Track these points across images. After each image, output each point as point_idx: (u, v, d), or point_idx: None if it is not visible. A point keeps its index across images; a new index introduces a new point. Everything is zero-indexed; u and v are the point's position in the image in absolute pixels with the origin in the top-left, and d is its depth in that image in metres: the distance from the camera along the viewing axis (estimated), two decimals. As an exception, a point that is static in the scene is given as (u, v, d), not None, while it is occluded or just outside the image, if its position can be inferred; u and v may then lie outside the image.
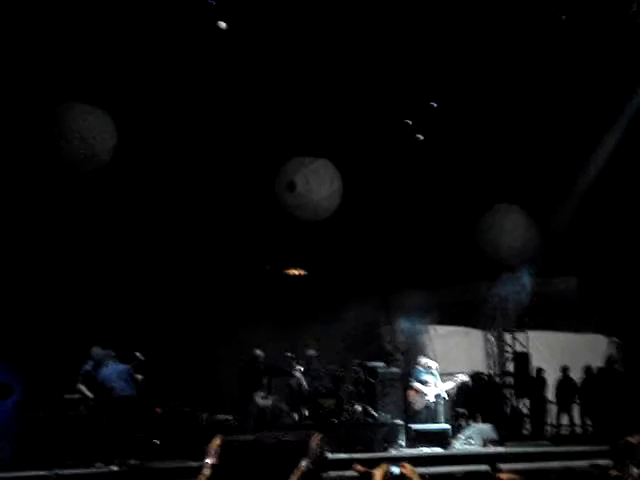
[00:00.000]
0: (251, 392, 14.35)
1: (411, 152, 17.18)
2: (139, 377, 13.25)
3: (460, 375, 16.36)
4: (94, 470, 12.09)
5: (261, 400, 14.32)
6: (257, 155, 16.45)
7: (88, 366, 13.34)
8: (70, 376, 13.31)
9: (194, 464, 12.35)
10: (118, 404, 12.75)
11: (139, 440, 13.10)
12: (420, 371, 15.85)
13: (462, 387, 17.45)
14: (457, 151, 17.00)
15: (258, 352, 14.73)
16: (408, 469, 5.19)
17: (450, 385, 15.88)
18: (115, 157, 14.87)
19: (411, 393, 15.65)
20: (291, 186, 16.41)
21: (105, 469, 12.13)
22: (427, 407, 15.48)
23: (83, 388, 13.24)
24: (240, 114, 15.77)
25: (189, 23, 14.29)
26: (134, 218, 16.08)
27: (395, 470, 5.36)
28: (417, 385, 15.59)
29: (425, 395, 15.50)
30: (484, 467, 8.82)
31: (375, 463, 5.48)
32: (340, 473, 10.28)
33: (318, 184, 16.48)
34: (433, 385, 15.57)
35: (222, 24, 14.32)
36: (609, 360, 17.81)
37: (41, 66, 13.94)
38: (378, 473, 5.25)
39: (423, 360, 16.14)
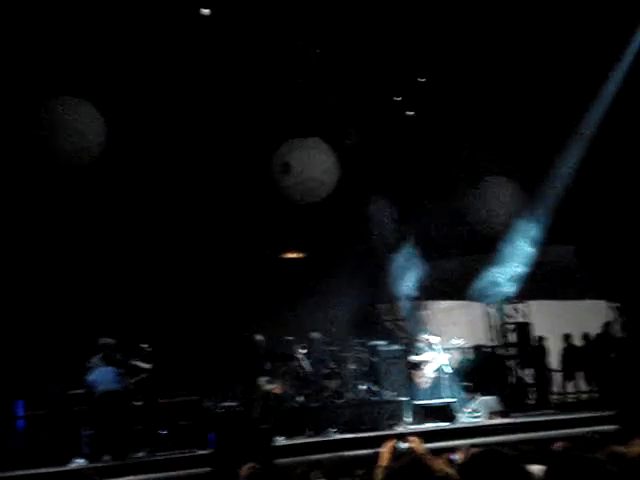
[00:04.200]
0: (254, 378, 14.33)
1: (401, 127, 17.17)
2: (147, 366, 13.23)
3: (454, 340, 16.37)
4: (102, 464, 12.09)
5: (265, 385, 14.30)
6: (250, 141, 16.41)
7: (96, 359, 13.24)
8: (75, 371, 13.26)
9: (201, 453, 12.44)
10: (102, 400, 12.73)
11: (145, 432, 13.11)
12: (421, 348, 15.86)
13: (465, 360, 17.47)
14: (445, 125, 16.96)
15: (259, 337, 14.70)
16: (416, 443, 5.21)
17: (450, 356, 15.89)
18: (107, 149, 14.83)
19: (416, 374, 15.66)
20: (286, 167, 16.33)
21: (112, 462, 12.14)
22: (432, 382, 15.50)
23: None
24: (230, 100, 15.72)
25: (173, 12, 14.24)
26: (131, 209, 16.07)
27: (403, 445, 5.39)
28: (415, 358, 15.67)
29: (429, 373, 15.52)
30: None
31: (381, 442, 5.48)
32: (349, 453, 10.31)
33: (313, 162, 16.42)
34: (435, 360, 15.58)
35: (205, 11, 14.29)
36: (606, 326, 17.85)
37: (29, 60, 13.87)
38: (386, 449, 5.26)
39: (424, 336, 16.15)
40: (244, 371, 14.56)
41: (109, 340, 13.20)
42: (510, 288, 17.62)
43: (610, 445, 4.41)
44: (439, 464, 3.57)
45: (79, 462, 12.28)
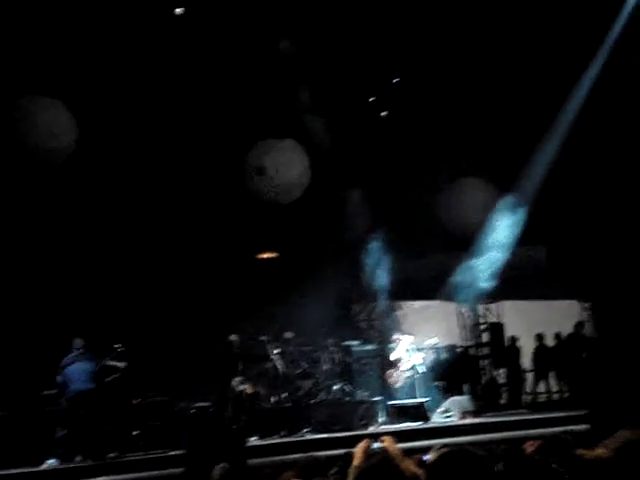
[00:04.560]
0: (228, 378, 14.31)
1: (375, 127, 17.22)
2: (121, 365, 13.16)
3: (428, 340, 16.41)
4: (74, 464, 12.04)
5: (238, 385, 14.28)
6: (221, 141, 16.38)
7: (69, 359, 13.18)
8: (48, 371, 13.19)
9: (173, 454, 12.39)
10: (75, 400, 12.66)
11: (117, 432, 13.05)
12: (395, 347, 15.89)
13: (439, 359, 17.52)
14: (419, 124, 17.03)
15: (233, 337, 14.68)
16: (388, 442, 5.22)
17: (423, 356, 15.92)
18: (80, 150, 14.76)
19: (388, 374, 15.69)
20: (261, 170, 16.33)
21: (84, 463, 12.08)
22: (406, 382, 15.53)
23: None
24: (203, 100, 15.71)
25: (144, 11, 14.21)
26: (104, 210, 15.99)
27: (376, 445, 5.40)
28: (395, 355, 15.70)
29: (402, 372, 15.55)
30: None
31: (355, 441, 5.49)
32: (323, 453, 10.28)
33: (288, 165, 16.43)
34: (407, 360, 15.61)
35: (178, 10, 14.26)
36: (577, 326, 17.98)
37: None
38: (359, 449, 5.27)
39: (397, 336, 16.17)
40: (217, 371, 14.53)
41: (82, 340, 13.16)
42: (483, 288, 17.72)
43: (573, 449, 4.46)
44: (408, 464, 3.60)
45: (51, 462, 12.20)
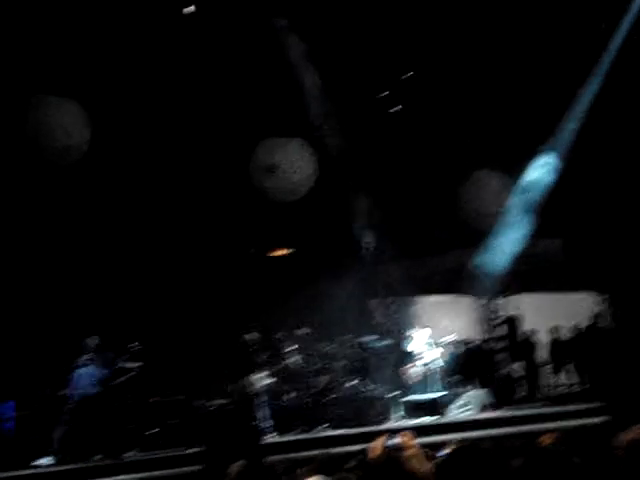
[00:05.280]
0: (245, 375, 14.32)
1: (390, 121, 17.19)
2: (135, 365, 13.20)
3: (447, 337, 16.39)
4: (93, 463, 12.08)
5: (257, 382, 14.29)
6: (232, 138, 16.39)
7: (84, 359, 13.23)
8: (66, 371, 13.25)
9: (191, 451, 12.42)
10: (81, 404, 12.69)
11: (135, 431, 13.09)
12: (412, 342, 15.87)
13: (455, 354, 17.49)
14: (435, 119, 16.98)
15: (250, 335, 14.69)
16: (407, 438, 5.22)
17: (440, 351, 15.89)
18: (93, 148, 14.81)
19: (405, 369, 15.68)
20: (272, 168, 16.31)
21: (103, 461, 12.13)
22: (423, 377, 15.52)
23: None
24: (213, 98, 15.72)
25: (155, 10, 14.24)
26: (118, 209, 16.03)
27: (394, 440, 5.40)
28: (410, 348, 15.69)
29: (418, 367, 15.54)
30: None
31: (372, 437, 5.49)
32: (341, 449, 10.30)
33: (298, 164, 16.42)
34: (425, 355, 15.59)
35: (189, 8, 14.30)
36: (594, 318, 17.91)
37: (12, 60, 13.83)
38: (378, 444, 5.26)
39: (414, 331, 16.16)
40: (235, 369, 14.55)
41: (95, 340, 13.19)
42: (499, 282, 17.67)
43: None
44: (417, 462, 3.57)
45: (44, 460, 12.21)
